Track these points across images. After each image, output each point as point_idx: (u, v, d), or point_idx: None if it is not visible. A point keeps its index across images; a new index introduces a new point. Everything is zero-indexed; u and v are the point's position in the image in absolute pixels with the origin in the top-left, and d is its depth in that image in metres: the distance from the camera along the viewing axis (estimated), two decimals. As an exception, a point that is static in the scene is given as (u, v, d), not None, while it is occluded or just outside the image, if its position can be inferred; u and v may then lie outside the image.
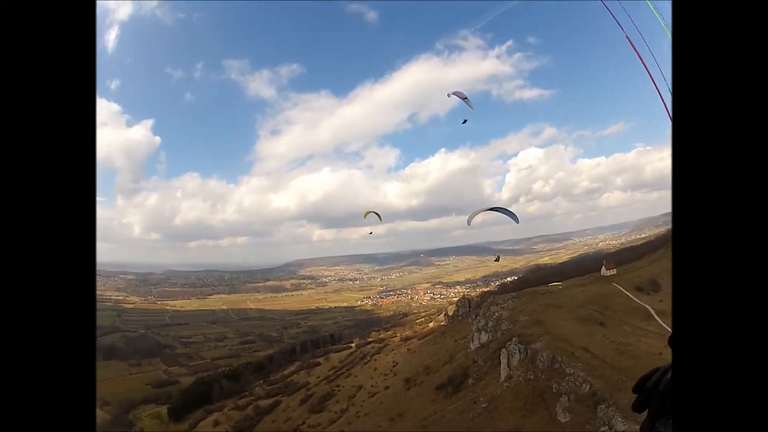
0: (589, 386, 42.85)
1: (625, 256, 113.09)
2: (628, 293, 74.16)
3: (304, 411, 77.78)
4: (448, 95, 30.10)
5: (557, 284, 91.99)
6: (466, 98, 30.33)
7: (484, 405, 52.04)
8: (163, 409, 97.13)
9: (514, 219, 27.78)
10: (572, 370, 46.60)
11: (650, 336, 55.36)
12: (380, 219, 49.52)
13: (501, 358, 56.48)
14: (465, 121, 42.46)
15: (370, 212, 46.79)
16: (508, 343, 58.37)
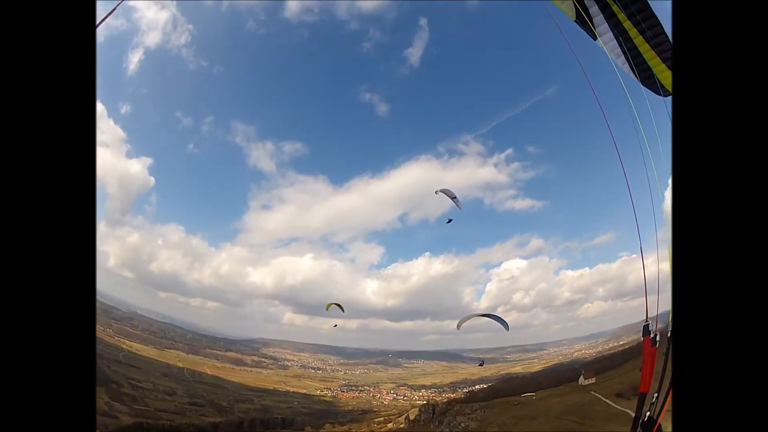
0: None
1: (605, 365, 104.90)
2: (607, 401, 67.86)
3: None
4: (436, 192, 29.93)
5: (531, 395, 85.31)
6: (455, 197, 30.13)
7: None
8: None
9: (504, 326, 28.19)
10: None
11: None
12: (342, 311, 47.78)
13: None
14: (450, 221, 40.89)
15: (332, 304, 45.28)
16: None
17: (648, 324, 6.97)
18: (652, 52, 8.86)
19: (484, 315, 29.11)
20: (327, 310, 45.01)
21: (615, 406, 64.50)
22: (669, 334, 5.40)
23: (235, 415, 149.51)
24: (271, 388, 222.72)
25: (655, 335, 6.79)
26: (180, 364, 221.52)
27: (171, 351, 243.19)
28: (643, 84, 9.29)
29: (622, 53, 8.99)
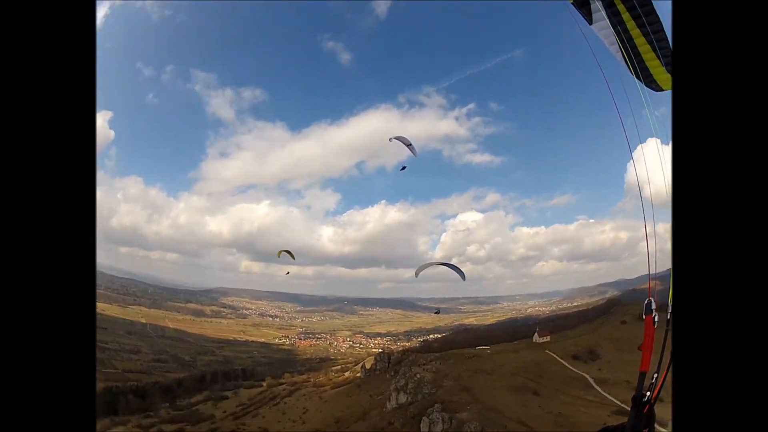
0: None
1: (559, 324, 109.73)
2: (563, 362, 69.68)
3: None
4: (390, 140, 29.97)
5: (485, 348, 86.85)
6: (410, 144, 29.90)
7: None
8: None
9: (461, 276, 28.75)
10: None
11: (591, 406, 49.87)
12: (293, 258, 47.84)
13: (422, 426, 49.33)
14: (404, 168, 41.29)
15: (282, 251, 45.26)
16: (429, 410, 51.72)
17: (650, 302, 6.42)
18: (648, 47, 8.83)
19: (442, 263, 29.34)
20: (278, 257, 44.67)
21: (571, 368, 66.29)
22: (669, 316, 5.40)
23: (198, 369, 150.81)
24: (231, 338, 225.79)
25: (656, 315, 6.39)
26: (143, 320, 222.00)
27: (134, 307, 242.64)
28: (635, 77, 9.19)
29: (616, 42, 8.84)
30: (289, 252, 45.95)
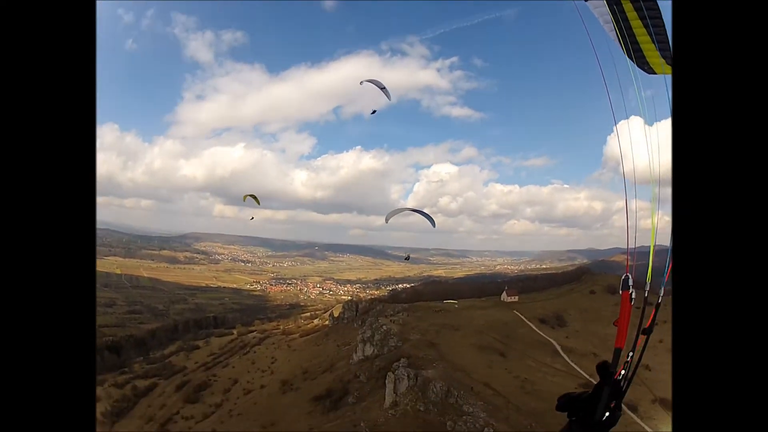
0: (491, 431, 36.70)
1: (528, 285, 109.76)
2: (531, 324, 70.29)
3: (179, 399, 70.49)
4: (361, 83, 28.57)
5: (453, 302, 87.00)
6: (383, 88, 28.44)
7: (366, 432, 44.29)
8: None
9: (431, 222, 28.23)
10: (471, 409, 39.90)
11: (557, 375, 50.25)
12: (258, 203, 46.13)
13: (387, 381, 49.05)
14: (374, 112, 41.15)
15: (248, 196, 44.11)
16: (396, 364, 51.22)
17: (627, 278, 5.99)
18: (643, 30, 8.53)
19: (412, 210, 28.81)
20: (244, 201, 43.39)
21: (538, 332, 66.70)
22: (646, 294, 5.85)
23: (171, 318, 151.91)
24: (203, 285, 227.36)
25: (633, 291, 5.97)
26: (118, 271, 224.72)
27: (109, 258, 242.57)
28: (627, 57, 8.89)
29: (611, 21, 8.58)
30: (254, 196, 44.33)
